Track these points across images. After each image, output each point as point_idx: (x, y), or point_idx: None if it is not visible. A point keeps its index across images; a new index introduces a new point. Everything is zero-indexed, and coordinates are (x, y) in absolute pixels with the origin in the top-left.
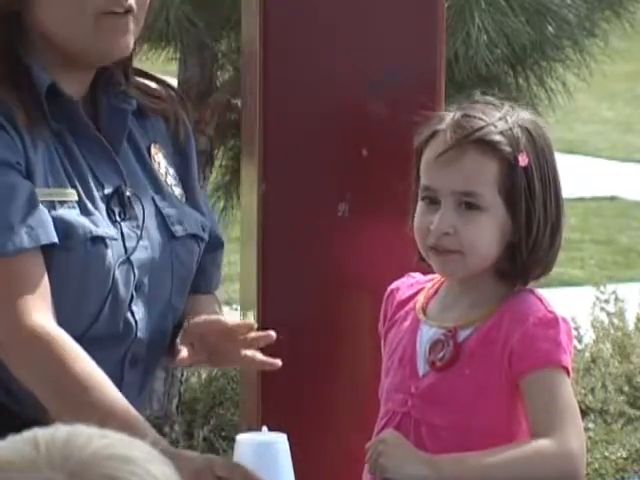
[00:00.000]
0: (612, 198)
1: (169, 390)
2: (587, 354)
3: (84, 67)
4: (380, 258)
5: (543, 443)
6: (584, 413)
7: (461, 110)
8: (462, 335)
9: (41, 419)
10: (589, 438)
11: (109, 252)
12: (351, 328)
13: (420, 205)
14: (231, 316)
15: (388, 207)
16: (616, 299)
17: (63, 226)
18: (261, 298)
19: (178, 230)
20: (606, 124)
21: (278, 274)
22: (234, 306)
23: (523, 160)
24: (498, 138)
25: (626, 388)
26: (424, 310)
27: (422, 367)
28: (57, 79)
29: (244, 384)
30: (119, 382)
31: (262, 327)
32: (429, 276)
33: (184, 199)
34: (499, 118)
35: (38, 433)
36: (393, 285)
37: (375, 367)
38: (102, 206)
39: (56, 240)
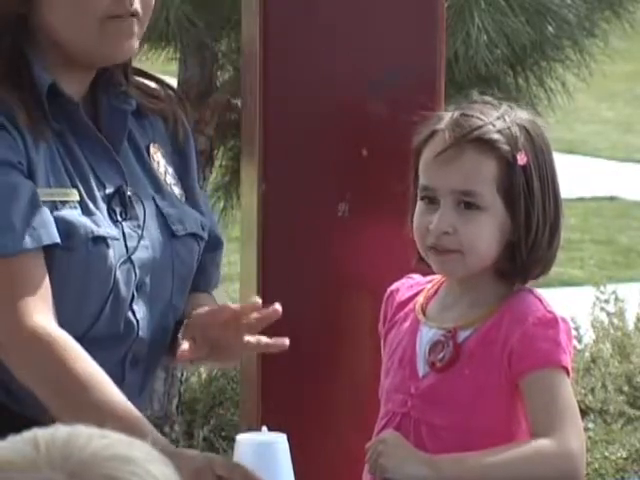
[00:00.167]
0: (612, 198)
1: (169, 390)
2: (587, 354)
3: (85, 68)
4: (380, 258)
5: (543, 443)
6: (584, 413)
7: (459, 110)
8: (462, 336)
9: (42, 419)
10: (589, 438)
11: (110, 252)
12: (351, 328)
13: (419, 205)
14: None
15: (388, 207)
16: (616, 299)
17: (65, 226)
18: (261, 298)
19: (179, 229)
20: (606, 124)
21: (278, 274)
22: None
23: (522, 159)
24: (496, 137)
25: (626, 388)
26: (424, 311)
27: (422, 368)
28: (58, 79)
29: (244, 384)
30: (120, 382)
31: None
32: (429, 277)
33: (183, 199)
34: (497, 117)
35: (38, 433)
36: (393, 286)
37: (375, 367)
38: (103, 206)
39: (58, 240)
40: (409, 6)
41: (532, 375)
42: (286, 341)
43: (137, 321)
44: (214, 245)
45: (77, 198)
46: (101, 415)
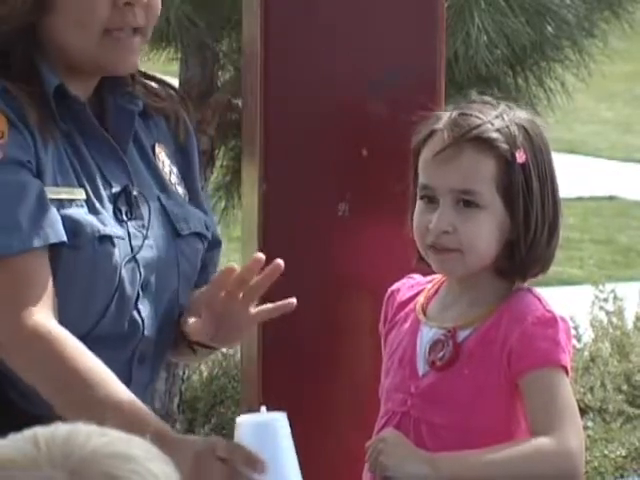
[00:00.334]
0: (611, 198)
1: (170, 389)
2: (586, 353)
3: (90, 75)
4: (380, 258)
5: (542, 441)
6: (583, 412)
7: (458, 109)
8: (461, 335)
9: (51, 417)
10: (588, 437)
11: (116, 251)
12: (351, 328)
13: (419, 204)
14: None
15: (388, 207)
16: (615, 298)
17: (71, 225)
18: (262, 297)
19: (183, 228)
20: (605, 124)
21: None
22: None
23: (520, 157)
24: (495, 135)
25: (625, 387)
26: (424, 311)
27: (422, 367)
28: (65, 81)
29: (245, 383)
30: (128, 381)
31: (262, 326)
32: (429, 277)
33: (187, 198)
34: (496, 116)
35: (38, 432)
36: (394, 286)
37: (375, 367)
38: (109, 205)
39: (65, 239)
40: (409, 6)
41: (531, 374)
42: (293, 300)
43: (142, 320)
44: (213, 244)
45: (84, 197)
46: (105, 410)
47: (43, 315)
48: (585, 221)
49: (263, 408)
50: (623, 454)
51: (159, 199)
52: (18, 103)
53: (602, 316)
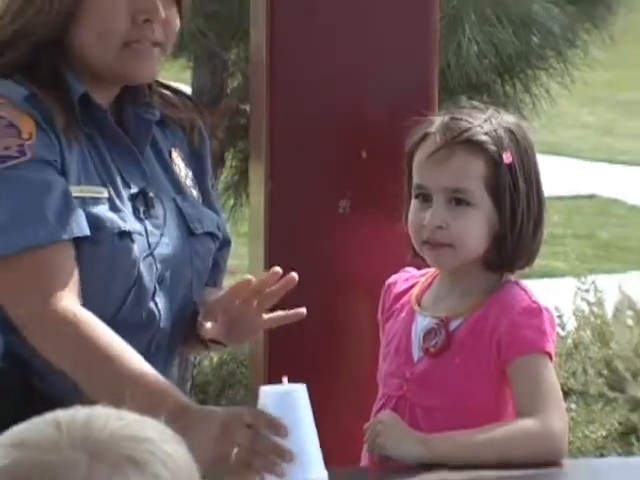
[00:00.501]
0: (592, 196)
1: (183, 374)
2: (569, 340)
3: (112, 83)
4: (378, 252)
5: (528, 423)
6: (566, 395)
7: (449, 114)
8: (453, 324)
9: (71, 400)
10: (571, 418)
11: (135, 246)
12: (351, 317)
13: (413, 202)
14: None
15: (385, 205)
16: (596, 290)
17: (94, 221)
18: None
19: (197, 228)
20: (587, 128)
21: (283, 267)
22: None
23: (507, 158)
24: (484, 138)
25: (605, 372)
26: (419, 301)
27: (416, 354)
28: (88, 89)
29: (252, 368)
30: None
31: (270, 309)
32: (423, 270)
33: (200, 200)
34: (484, 120)
35: (59, 415)
36: (391, 279)
37: (372, 355)
38: (128, 204)
39: (88, 233)
40: (405, 20)
41: (518, 361)
42: (303, 310)
43: (159, 311)
44: (224, 243)
45: (106, 195)
46: (129, 384)
47: (69, 300)
48: (568, 218)
49: (285, 379)
50: (604, 434)
51: (175, 200)
52: (45, 107)
53: (584, 306)
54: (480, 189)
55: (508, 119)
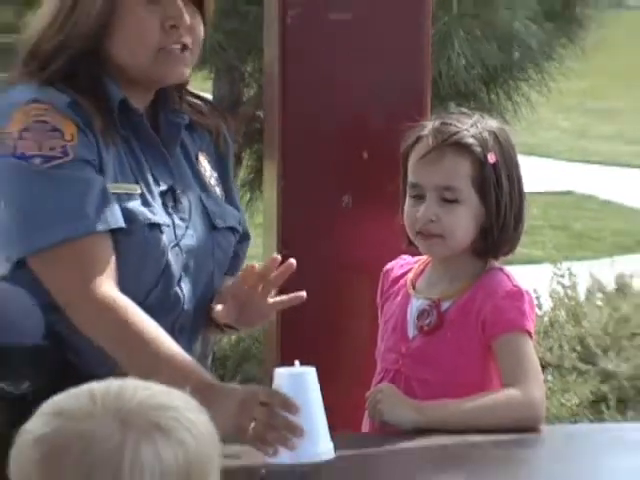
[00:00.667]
0: (567, 192)
1: (205, 351)
2: (546, 319)
3: (145, 88)
4: (377, 242)
5: (511, 392)
6: (544, 368)
7: (440, 119)
8: (444, 305)
9: (104, 374)
10: (548, 389)
11: (164, 237)
12: (353, 299)
13: (408, 198)
14: None
15: (383, 200)
16: (570, 274)
17: (127, 214)
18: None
19: (219, 223)
20: (563, 132)
21: (294, 254)
22: None
23: (492, 158)
24: (471, 141)
25: (578, 347)
26: (413, 285)
27: (411, 332)
28: (125, 94)
29: (266, 344)
30: None
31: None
32: (416, 257)
33: (224, 198)
34: (471, 125)
35: (94, 387)
36: (388, 265)
37: (372, 333)
38: (158, 200)
39: (123, 225)
40: (402, 36)
41: (502, 338)
42: (303, 293)
43: (183, 296)
44: (244, 237)
45: (138, 192)
46: (160, 363)
47: (108, 286)
48: (545, 211)
49: (297, 362)
50: (577, 403)
51: (200, 198)
52: (85, 113)
53: (559, 289)
54: (468, 186)
55: (492, 123)
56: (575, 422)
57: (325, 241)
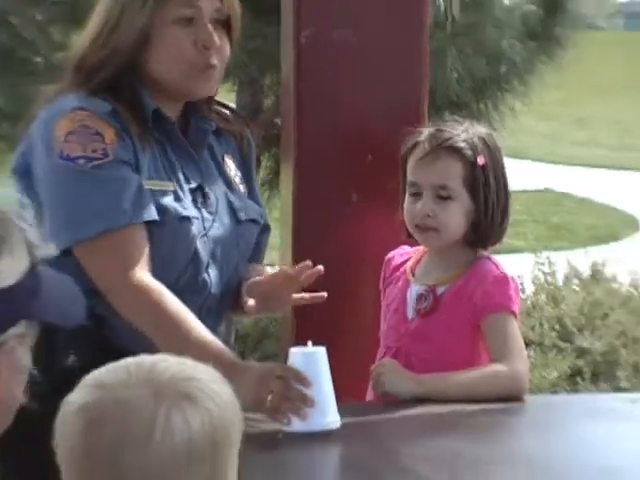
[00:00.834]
0: (546, 190)
1: (228, 329)
2: (528, 302)
3: (178, 99)
4: (380, 233)
5: (498, 367)
6: (527, 345)
7: (435, 126)
8: (439, 290)
9: (138, 350)
10: (531, 363)
11: (193, 228)
12: (359, 284)
13: (407, 196)
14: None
15: (386, 197)
16: (549, 262)
17: (161, 208)
18: (294, 262)
19: (243, 216)
20: (543, 137)
21: (307, 244)
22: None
23: (481, 160)
24: (462, 145)
25: (557, 327)
26: (412, 272)
27: (410, 314)
28: (159, 104)
29: (283, 324)
30: None
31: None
32: (415, 248)
33: (247, 194)
34: (462, 131)
35: (129, 361)
36: (389, 255)
37: (375, 314)
38: (189, 196)
39: (157, 218)
40: (403, 54)
41: (490, 318)
42: (324, 294)
43: (210, 281)
44: (264, 229)
45: (171, 189)
46: (190, 344)
47: (144, 273)
48: (527, 207)
49: (310, 342)
50: (556, 376)
51: (226, 194)
52: (124, 120)
53: (540, 275)
54: (460, 185)
55: (481, 130)
56: (554, 393)
57: (334, 233)
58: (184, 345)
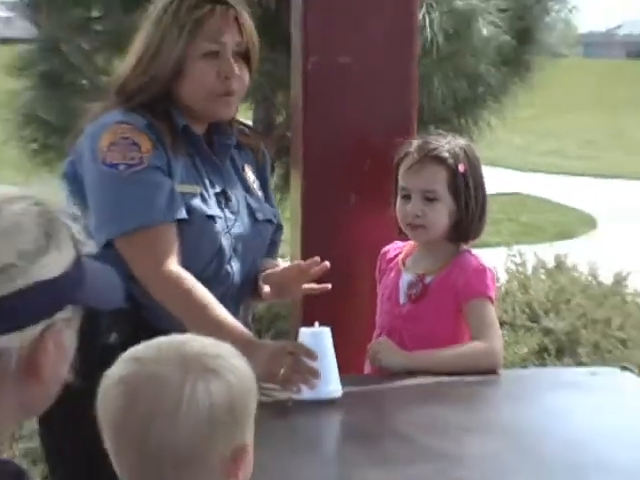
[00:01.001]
0: (518, 193)
1: (247, 313)
2: (502, 289)
3: (203, 120)
4: (376, 230)
5: (478, 344)
6: (501, 325)
7: (422, 138)
8: (427, 279)
9: (171, 330)
10: (504, 341)
11: (217, 226)
12: (358, 273)
13: (399, 198)
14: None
15: (382, 198)
16: (520, 255)
17: (190, 208)
18: (302, 256)
19: (260, 216)
20: (516, 149)
21: (313, 240)
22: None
23: (462, 168)
24: (446, 155)
25: (527, 310)
26: (404, 263)
27: (402, 299)
28: (188, 122)
29: (293, 307)
30: None
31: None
32: (406, 242)
33: (263, 198)
34: (446, 142)
35: (161, 340)
36: (384, 249)
37: (372, 300)
38: (214, 198)
39: (186, 216)
40: (395, 77)
41: (471, 303)
42: (329, 286)
43: (233, 272)
44: (278, 228)
45: (199, 192)
46: (214, 326)
47: (174, 264)
48: (502, 208)
49: (317, 323)
50: (525, 352)
51: (245, 198)
52: (158, 132)
53: (512, 266)
54: (444, 189)
55: (462, 142)
56: (524, 367)
57: (336, 229)
58: (209, 326)
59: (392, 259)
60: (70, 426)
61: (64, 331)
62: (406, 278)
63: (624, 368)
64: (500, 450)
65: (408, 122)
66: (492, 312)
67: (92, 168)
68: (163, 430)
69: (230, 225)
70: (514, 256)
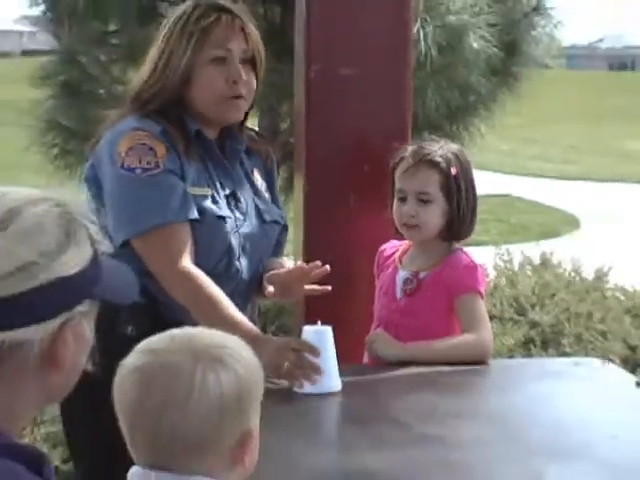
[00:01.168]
0: (506, 195)
1: (253, 308)
2: (491, 284)
3: (214, 125)
4: (374, 230)
5: (469, 336)
6: (490, 318)
7: (416, 144)
8: (422, 275)
9: (184, 322)
10: (493, 333)
11: (227, 226)
12: (358, 271)
13: (395, 200)
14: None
15: (379, 200)
16: (508, 253)
17: (201, 209)
18: (304, 255)
19: (267, 217)
20: (505, 155)
21: (315, 240)
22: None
23: (454, 171)
24: (439, 159)
25: (514, 304)
26: (400, 261)
27: (398, 294)
28: (200, 127)
29: (296, 303)
30: None
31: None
32: (402, 241)
33: (270, 200)
34: (439, 147)
35: (174, 331)
36: (382, 247)
37: (370, 295)
38: (224, 200)
39: (197, 217)
40: (392, 87)
41: (462, 297)
42: (329, 288)
43: (241, 268)
44: (283, 229)
45: (210, 194)
46: (223, 321)
47: (187, 262)
48: (491, 209)
49: (319, 322)
50: (512, 343)
51: (253, 199)
52: (172, 138)
53: (500, 263)
54: (437, 191)
55: (454, 147)
56: (511, 357)
57: (337, 228)
58: (218, 321)
59: (389, 256)
60: (90, 417)
61: (82, 323)
62: (402, 275)
63: (607, 360)
64: (488, 434)
65: (404, 128)
66: (482, 306)
67: (110, 172)
68: (175, 417)
69: (239, 225)
70: (502, 254)
